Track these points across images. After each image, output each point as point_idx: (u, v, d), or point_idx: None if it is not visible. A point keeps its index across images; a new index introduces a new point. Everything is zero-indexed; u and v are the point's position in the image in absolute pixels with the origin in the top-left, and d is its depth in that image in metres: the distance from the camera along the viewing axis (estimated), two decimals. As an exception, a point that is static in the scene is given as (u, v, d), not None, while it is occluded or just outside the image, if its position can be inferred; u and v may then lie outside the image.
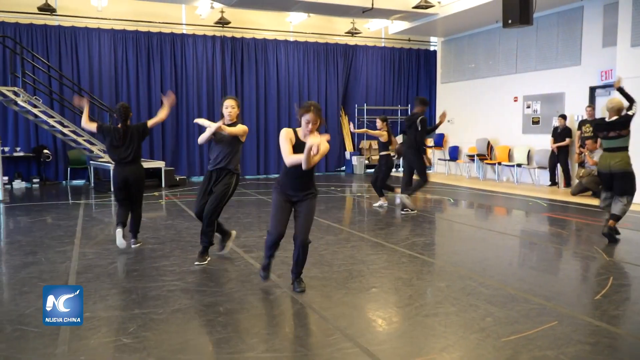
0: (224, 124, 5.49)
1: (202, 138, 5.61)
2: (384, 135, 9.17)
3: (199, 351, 3.50)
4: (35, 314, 4.08)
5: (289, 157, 4.38)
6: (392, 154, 9.36)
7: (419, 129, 8.73)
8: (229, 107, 5.61)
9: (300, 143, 4.43)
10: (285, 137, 4.46)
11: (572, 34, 12.04)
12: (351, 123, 11.47)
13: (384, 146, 9.28)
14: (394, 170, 9.78)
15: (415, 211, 8.90)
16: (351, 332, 3.78)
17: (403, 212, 8.85)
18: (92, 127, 6.28)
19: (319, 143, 4.07)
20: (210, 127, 5.46)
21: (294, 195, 4.55)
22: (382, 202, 9.52)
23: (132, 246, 6.32)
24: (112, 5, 13.49)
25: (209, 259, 5.68)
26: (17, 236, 7.07)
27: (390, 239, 6.90)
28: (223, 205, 5.66)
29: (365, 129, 10.05)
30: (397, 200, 9.53)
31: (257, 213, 8.94)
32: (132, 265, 5.61)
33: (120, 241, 6.06)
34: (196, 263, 5.59)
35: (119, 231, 6.08)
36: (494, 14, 11.77)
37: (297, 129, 4.52)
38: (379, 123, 9.33)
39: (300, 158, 4.27)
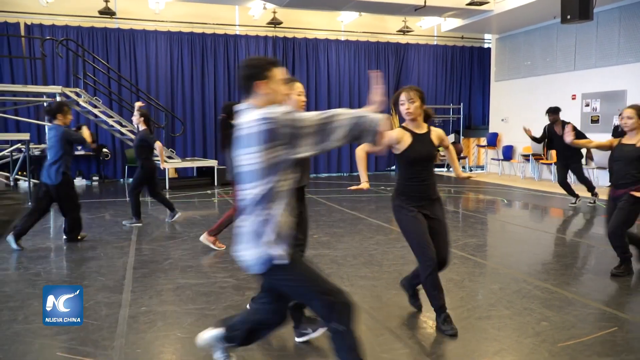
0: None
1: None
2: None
3: (249, 347, 3.55)
4: (94, 307, 4.25)
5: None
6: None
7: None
8: (301, 92, 3.52)
9: (417, 136, 3.79)
10: (398, 136, 3.77)
11: (636, 29, 11.53)
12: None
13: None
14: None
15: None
16: (401, 332, 3.75)
17: (590, 204, 8.99)
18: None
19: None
20: None
21: (424, 204, 3.80)
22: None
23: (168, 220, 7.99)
24: (169, 8, 13.86)
25: None
26: (78, 231, 7.36)
27: (442, 239, 6.79)
28: None
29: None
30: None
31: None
32: (186, 261, 5.75)
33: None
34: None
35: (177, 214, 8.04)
36: (552, 9, 11.42)
37: (405, 124, 3.86)
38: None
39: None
